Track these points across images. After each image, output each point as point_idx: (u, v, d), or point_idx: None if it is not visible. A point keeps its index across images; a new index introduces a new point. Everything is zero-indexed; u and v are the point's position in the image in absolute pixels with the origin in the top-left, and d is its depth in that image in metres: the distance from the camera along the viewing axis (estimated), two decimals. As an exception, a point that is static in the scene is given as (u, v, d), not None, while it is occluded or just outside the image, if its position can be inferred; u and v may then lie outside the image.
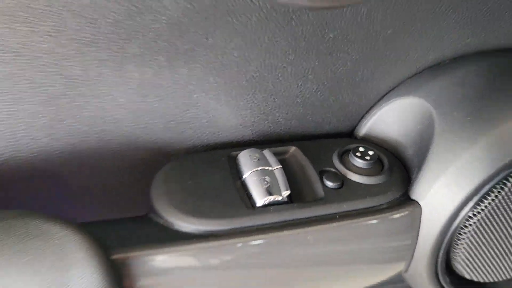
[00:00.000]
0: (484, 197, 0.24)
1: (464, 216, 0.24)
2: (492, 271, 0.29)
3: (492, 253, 0.27)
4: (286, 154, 0.27)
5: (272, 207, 0.22)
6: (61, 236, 0.19)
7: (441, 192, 0.24)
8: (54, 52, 0.19)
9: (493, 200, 0.24)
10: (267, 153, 0.25)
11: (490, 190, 0.23)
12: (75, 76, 0.21)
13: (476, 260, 0.27)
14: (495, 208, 0.24)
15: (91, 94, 0.22)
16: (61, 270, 0.18)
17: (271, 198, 0.23)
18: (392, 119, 0.27)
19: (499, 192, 0.23)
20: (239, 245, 0.21)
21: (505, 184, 0.23)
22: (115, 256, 0.20)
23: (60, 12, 0.18)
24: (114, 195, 0.27)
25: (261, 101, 0.25)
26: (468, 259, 0.27)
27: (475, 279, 0.29)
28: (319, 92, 0.26)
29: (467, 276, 0.29)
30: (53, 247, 0.18)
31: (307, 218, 0.22)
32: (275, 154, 0.26)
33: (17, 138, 0.22)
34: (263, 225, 0.22)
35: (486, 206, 0.24)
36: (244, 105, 0.25)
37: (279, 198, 0.23)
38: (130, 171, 0.26)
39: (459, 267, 0.28)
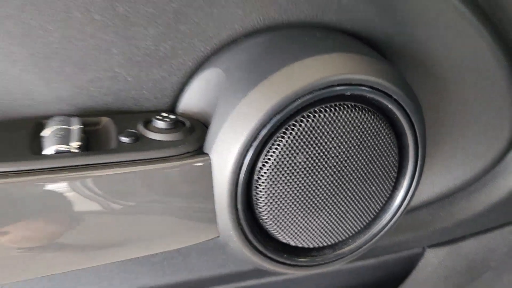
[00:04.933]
0: (266, 145, 0.26)
1: (252, 165, 0.26)
2: (307, 233, 0.30)
3: (298, 209, 0.29)
4: (99, 125, 0.29)
5: (58, 154, 0.24)
6: None
7: (223, 143, 0.26)
8: None
9: (278, 145, 0.26)
10: (74, 119, 0.27)
11: (270, 136, 0.26)
12: None
13: (283, 220, 0.29)
14: (284, 155, 0.26)
15: None
16: None
17: (60, 148, 0.24)
18: (202, 91, 0.30)
19: (281, 137, 0.26)
20: (21, 185, 0.23)
21: (287, 130, 0.26)
22: None
23: None
24: None
25: (71, 74, 0.28)
26: (271, 218, 0.28)
27: (291, 243, 0.31)
28: (129, 67, 0.29)
29: (282, 239, 0.30)
30: None
31: (91, 164, 0.24)
32: (87, 124, 0.28)
33: None
34: (45, 168, 0.23)
35: (272, 155, 0.26)
36: (56, 78, 0.28)
37: (69, 149, 0.24)
38: None
39: (268, 227, 0.29)
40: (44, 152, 0.24)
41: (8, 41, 0.26)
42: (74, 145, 0.25)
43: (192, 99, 0.31)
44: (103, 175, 0.24)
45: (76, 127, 0.26)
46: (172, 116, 0.28)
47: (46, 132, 0.26)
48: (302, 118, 0.26)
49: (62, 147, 0.24)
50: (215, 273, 0.38)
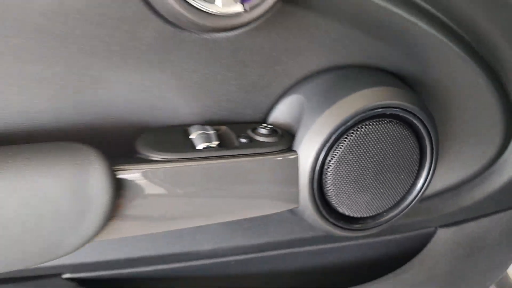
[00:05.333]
0: (334, 145, 0.40)
1: (324, 159, 0.40)
2: (357, 206, 0.44)
3: (352, 190, 0.43)
4: (221, 131, 0.43)
5: (206, 149, 0.39)
6: (82, 151, 0.34)
7: (307, 144, 0.40)
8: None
9: (342, 146, 0.40)
10: (206, 126, 0.42)
11: (337, 140, 0.40)
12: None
13: (342, 197, 0.43)
14: (345, 153, 0.40)
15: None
16: (82, 169, 0.33)
17: (208, 145, 0.39)
18: (286, 110, 0.44)
19: (344, 141, 0.40)
20: (191, 167, 0.37)
21: (348, 136, 0.40)
22: (116, 167, 0.35)
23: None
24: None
25: (204, 98, 0.42)
26: (336, 196, 0.43)
27: (345, 213, 0.45)
28: (241, 93, 0.43)
29: (340, 210, 0.44)
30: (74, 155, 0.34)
31: (225, 155, 0.39)
32: (215, 130, 0.42)
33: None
34: (200, 157, 0.38)
35: (337, 153, 0.41)
36: (194, 102, 0.42)
37: (212, 146, 0.39)
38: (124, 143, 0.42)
39: (333, 202, 0.43)
40: (198, 147, 0.39)
41: (169, 76, 0.40)
42: (214, 143, 0.39)
43: (279, 115, 0.45)
44: (235, 161, 0.39)
45: (211, 132, 0.41)
46: (270, 126, 0.42)
47: (193, 135, 0.40)
48: (357, 128, 0.40)
49: (209, 144, 0.39)
50: (288, 238, 0.52)
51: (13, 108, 0.37)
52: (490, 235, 0.61)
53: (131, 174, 0.35)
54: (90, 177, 0.33)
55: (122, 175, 0.35)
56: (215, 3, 0.34)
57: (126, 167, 0.35)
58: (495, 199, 0.58)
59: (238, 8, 0.34)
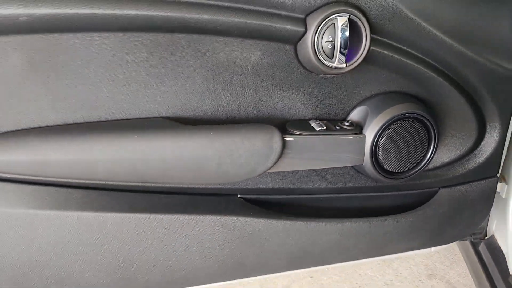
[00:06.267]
0: (383, 130, 0.80)
1: (377, 139, 0.81)
2: (394, 165, 0.84)
3: (391, 156, 0.83)
4: (325, 122, 0.84)
5: (319, 130, 0.80)
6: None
7: (369, 131, 0.81)
8: None
9: (387, 131, 0.80)
10: (319, 121, 0.82)
11: (384, 129, 0.80)
12: None
13: (386, 159, 0.83)
14: (388, 136, 0.81)
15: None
16: (269, 133, 0.75)
17: (319, 128, 0.80)
18: (358, 113, 0.85)
19: (387, 130, 0.80)
20: (310, 139, 0.78)
21: (389, 127, 0.80)
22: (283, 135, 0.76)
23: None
24: None
25: (317, 108, 0.83)
26: (383, 158, 0.83)
27: (388, 169, 0.85)
28: (336, 103, 0.84)
29: (388, 168, 0.84)
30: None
31: (328, 133, 0.80)
32: (323, 122, 0.83)
33: None
34: (316, 134, 0.79)
35: (383, 132, 0.81)
36: (314, 111, 0.83)
37: (322, 128, 0.80)
38: None
39: (381, 162, 0.83)
40: (316, 129, 0.79)
41: (302, 99, 0.81)
42: (323, 128, 0.80)
43: (354, 116, 0.85)
44: (334, 137, 0.79)
45: (321, 123, 0.81)
46: (349, 121, 0.83)
47: (313, 124, 0.81)
48: (393, 123, 0.80)
49: (321, 128, 0.79)
50: (349, 185, 0.91)
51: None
52: (473, 195, 0.99)
53: (290, 139, 0.76)
54: (273, 138, 0.75)
55: (286, 138, 0.76)
56: (333, 61, 0.74)
57: (287, 136, 0.76)
58: (476, 172, 0.96)
59: (343, 65, 0.75)
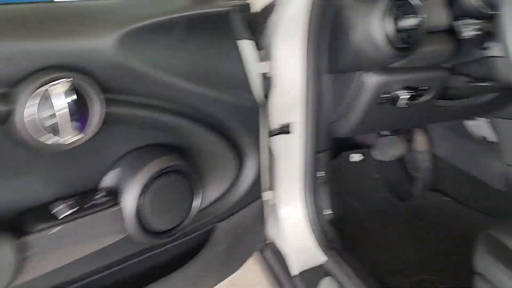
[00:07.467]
0: (142, 192, 0.72)
1: (139, 200, 0.72)
2: (160, 225, 0.77)
3: (156, 218, 0.75)
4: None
5: (63, 217, 0.66)
6: None
7: (126, 197, 0.71)
8: None
9: (145, 193, 0.73)
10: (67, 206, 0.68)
11: (144, 189, 0.72)
12: None
13: (155, 218, 0.75)
14: (152, 194, 0.73)
15: None
16: None
17: (64, 214, 0.65)
18: (111, 178, 0.74)
19: (148, 189, 0.73)
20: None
21: (149, 186, 0.73)
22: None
23: None
24: None
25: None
26: (151, 220, 0.74)
27: (159, 229, 0.77)
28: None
29: (156, 229, 0.76)
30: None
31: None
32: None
33: None
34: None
35: (144, 195, 0.73)
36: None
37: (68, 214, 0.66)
38: None
39: (146, 226, 0.75)
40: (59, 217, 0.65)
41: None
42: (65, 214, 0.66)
43: (107, 181, 0.74)
44: (86, 218, 0.66)
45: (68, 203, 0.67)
46: (103, 192, 0.71)
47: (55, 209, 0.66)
48: (153, 181, 0.73)
49: (66, 215, 0.65)
50: (127, 254, 0.80)
51: None
52: (247, 219, 1.03)
53: (28, 239, 0.60)
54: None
55: (21, 241, 0.59)
56: (65, 135, 0.61)
57: (21, 239, 0.59)
58: (243, 199, 0.99)
59: (80, 136, 0.62)
